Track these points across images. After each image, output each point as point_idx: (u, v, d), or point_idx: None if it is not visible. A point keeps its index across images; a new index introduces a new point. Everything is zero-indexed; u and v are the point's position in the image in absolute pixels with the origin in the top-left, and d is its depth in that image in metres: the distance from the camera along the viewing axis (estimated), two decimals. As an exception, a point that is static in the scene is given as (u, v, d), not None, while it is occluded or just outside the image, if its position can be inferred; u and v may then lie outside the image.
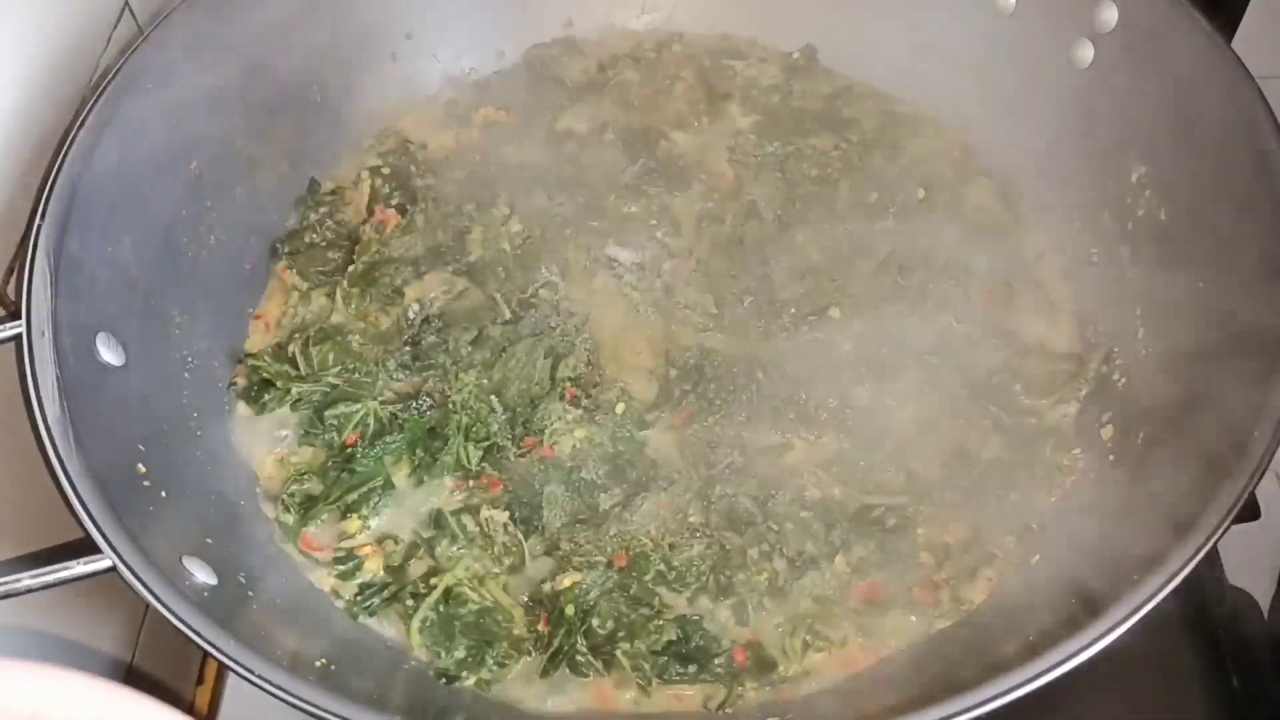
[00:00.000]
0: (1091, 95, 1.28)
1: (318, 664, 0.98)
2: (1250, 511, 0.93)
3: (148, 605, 0.87)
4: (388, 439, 1.19)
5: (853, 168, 1.40)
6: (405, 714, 0.89)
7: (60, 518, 0.90)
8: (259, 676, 0.85)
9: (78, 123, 1.07)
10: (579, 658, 1.06)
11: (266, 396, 1.22)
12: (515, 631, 1.08)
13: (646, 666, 1.05)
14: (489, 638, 1.07)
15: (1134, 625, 0.84)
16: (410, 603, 1.09)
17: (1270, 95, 1.08)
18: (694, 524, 1.13)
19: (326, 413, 1.20)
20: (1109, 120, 1.27)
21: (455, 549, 1.13)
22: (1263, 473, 0.89)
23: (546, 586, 1.10)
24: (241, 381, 1.24)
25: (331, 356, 1.23)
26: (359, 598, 1.11)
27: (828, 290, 1.30)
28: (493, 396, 1.20)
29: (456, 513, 1.15)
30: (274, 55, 1.28)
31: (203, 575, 0.98)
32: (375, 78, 1.45)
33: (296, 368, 1.23)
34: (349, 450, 1.18)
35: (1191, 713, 1.16)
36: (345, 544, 1.15)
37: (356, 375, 1.23)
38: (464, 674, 1.06)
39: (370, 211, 1.36)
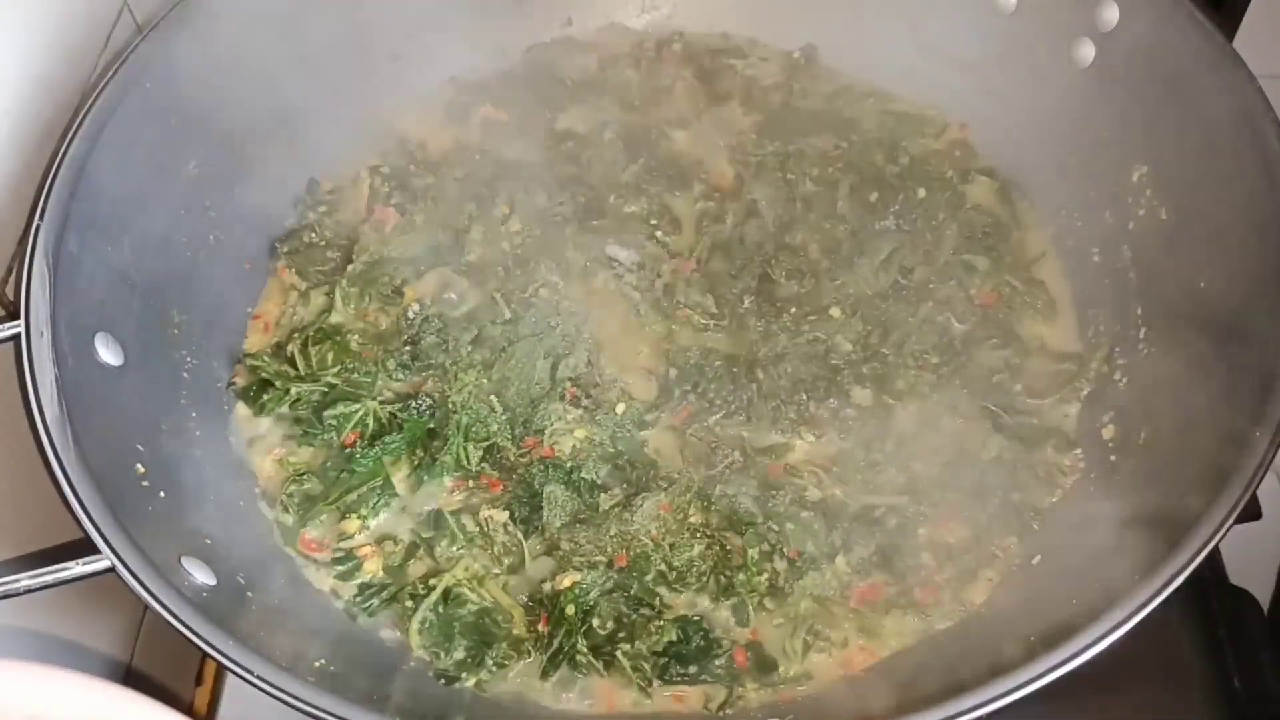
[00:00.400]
0: (1092, 95, 1.28)
1: (316, 664, 0.97)
2: (1251, 511, 0.93)
3: (146, 606, 0.87)
4: (387, 439, 1.18)
5: (853, 167, 1.40)
6: (404, 714, 0.88)
7: (59, 518, 0.90)
8: (257, 677, 0.85)
9: (76, 123, 1.07)
10: (579, 658, 1.06)
11: (265, 396, 1.22)
12: (515, 632, 1.08)
13: (647, 667, 1.05)
14: (488, 638, 1.07)
15: (1135, 625, 0.84)
16: (409, 603, 1.09)
17: (1271, 95, 1.08)
18: (694, 524, 1.13)
19: (325, 413, 1.20)
20: (1110, 119, 1.26)
21: (455, 549, 1.13)
22: (1264, 473, 0.89)
23: (546, 586, 1.10)
24: (240, 381, 1.24)
25: (330, 356, 1.23)
26: (358, 598, 1.11)
27: (828, 290, 1.30)
28: (492, 396, 1.20)
29: (456, 513, 1.15)
30: (274, 54, 1.28)
31: (201, 575, 0.97)
32: (375, 77, 1.45)
33: (295, 368, 1.23)
34: (348, 450, 1.18)
35: (1191, 713, 1.15)
36: (344, 544, 1.15)
37: (355, 375, 1.23)
38: (463, 674, 1.05)
39: (370, 211, 1.36)
